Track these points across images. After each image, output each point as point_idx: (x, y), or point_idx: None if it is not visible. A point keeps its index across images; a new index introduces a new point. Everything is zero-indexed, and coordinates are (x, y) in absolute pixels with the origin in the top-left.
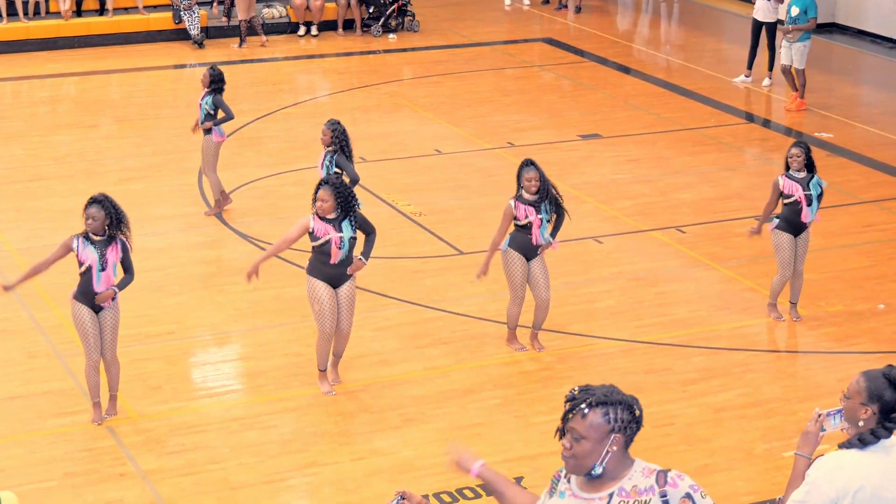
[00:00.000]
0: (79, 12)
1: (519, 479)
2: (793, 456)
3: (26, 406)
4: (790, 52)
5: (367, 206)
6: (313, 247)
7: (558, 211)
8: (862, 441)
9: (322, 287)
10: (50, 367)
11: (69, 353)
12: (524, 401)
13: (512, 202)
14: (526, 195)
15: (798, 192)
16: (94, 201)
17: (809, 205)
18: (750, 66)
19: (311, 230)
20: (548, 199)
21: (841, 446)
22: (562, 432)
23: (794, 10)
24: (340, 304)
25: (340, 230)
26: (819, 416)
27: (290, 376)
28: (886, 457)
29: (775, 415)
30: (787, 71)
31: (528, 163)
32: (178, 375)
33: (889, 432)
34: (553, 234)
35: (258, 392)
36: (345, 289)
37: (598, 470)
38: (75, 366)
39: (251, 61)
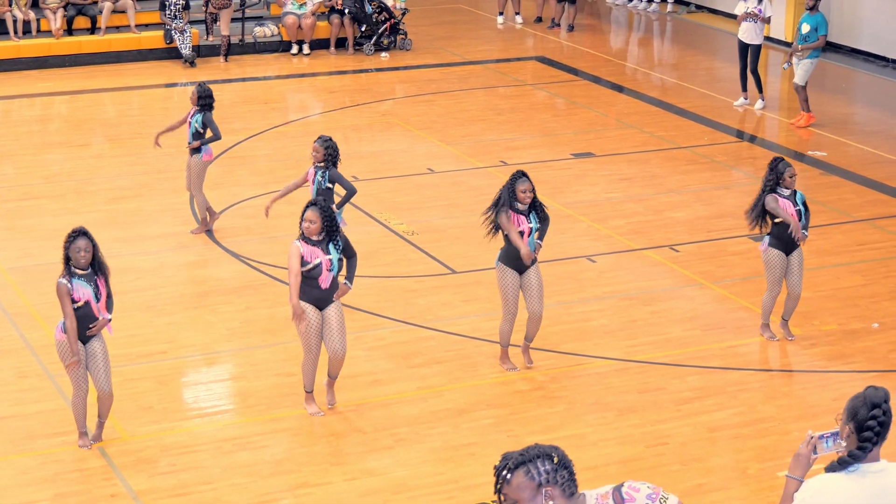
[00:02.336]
0: (70, 31)
1: None
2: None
3: (17, 426)
4: (798, 70)
5: (359, 225)
6: (301, 272)
7: (543, 216)
8: (840, 464)
9: (308, 308)
10: (41, 387)
11: (60, 373)
12: (518, 420)
13: (508, 212)
14: (519, 206)
15: (790, 210)
16: (81, 234)
17: (800, 219)
18: (745, 89)
19: (300, 255)
20: (536, 209)
21: (826, 469)
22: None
23: (805, 28)
24: (331, 327)
25: (328, 252)
26: (811, 438)
27: (283, 396)
28: (863, 481)
29: (770, 434)
30: (799, 89)
31: (522, 174)
32: (169, 395)
33: (864, 453)
34: (540, 238)
35: (250, 412)
36: (332, 310)
37: None
38: (66, 386)
39: (243, 80)
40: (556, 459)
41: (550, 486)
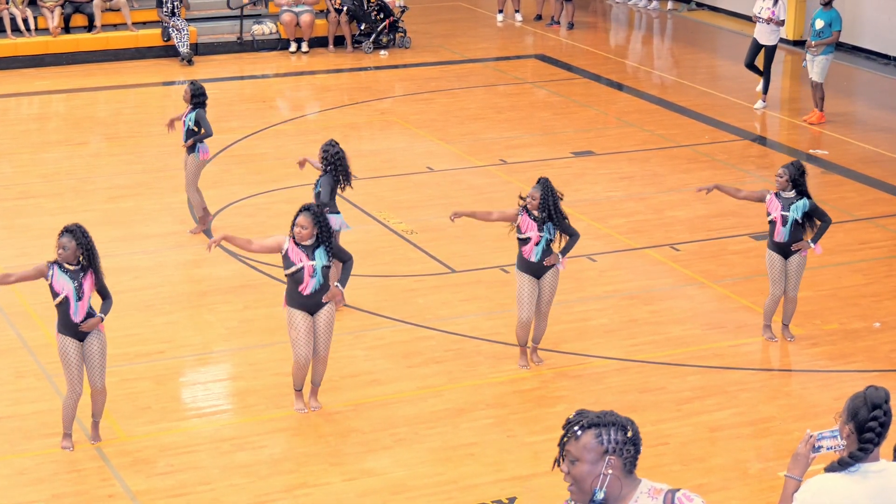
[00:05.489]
0: (67, 29)
1: (512, 500)
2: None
3: (14, 426)
4: (813, 66)
5: (358, 224)
6: (286, 275)
7: (569, 231)
8: (841, 464)
9: (299, 315)
10: (38, 387)
11: (57, 373)
12: (517, 420)
13: (521, 211)
14: (533, 212)
15: (776, 212)
16: (66, 231)
17: (784, 225)
18: (759, 73)
19: (285, 252)
20: (552, 220)
21: (826, 470)
22: (559, 459)
23: (819, 24)
24: (318, 330)
25: (313, 258)
26: (810, 437)
27: (281, 396)
28: (864, 481)
29: (770, 434)
30: (816, 86)
31: (538, 181)
32: (167, 395)
33: (865, 454)
34: (563, 253)
35: (249, 412)
36: (323, 314)
37: (600, 495)
38: (63, 386)
39: (242, 78)
40: (629, 433)
41: (615, 457)
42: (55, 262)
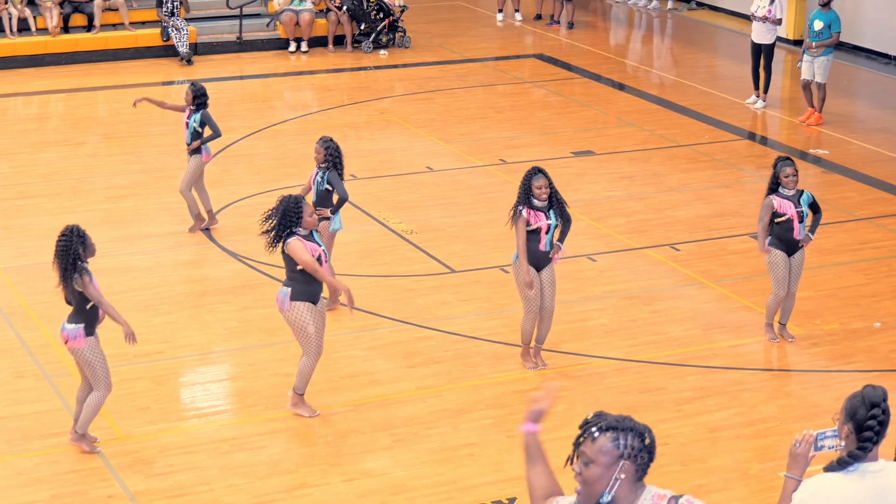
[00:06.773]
0: (66, 29)
1: (512, 500)
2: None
3: (13, 427)
4: (812, 68)
5: (357, 224)
6: (301, 270)
7: (564, 216)
8: (840, 464)
9: (315, 310)
10: (37, 387)
11: (56, 373)
12: (517, 421)
13: (523, 209)
14: (536, 202)
15: (790, 211)
16: (81, 233)
17: (801, 221)
18: (757, 87)
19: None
20: (555, 205)
21: (825, 469)
22: (572, 458)
23: (818, 25)
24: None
25: (321, 244)
26: (810, 436)
27: (280, 396)
28: (862, 481)
29: (771, 434)
30: (806, 86)
31: (538, 170)
32: (166, 395)
33: (864, 452)
34: (561, 240)
35: (248, 412)
36: (320, 306)
37: (607, 498)
38: (62, 386)
39: (241, 78)
40: (647, 441)
41: (629, 462)
42: (85, 269)
